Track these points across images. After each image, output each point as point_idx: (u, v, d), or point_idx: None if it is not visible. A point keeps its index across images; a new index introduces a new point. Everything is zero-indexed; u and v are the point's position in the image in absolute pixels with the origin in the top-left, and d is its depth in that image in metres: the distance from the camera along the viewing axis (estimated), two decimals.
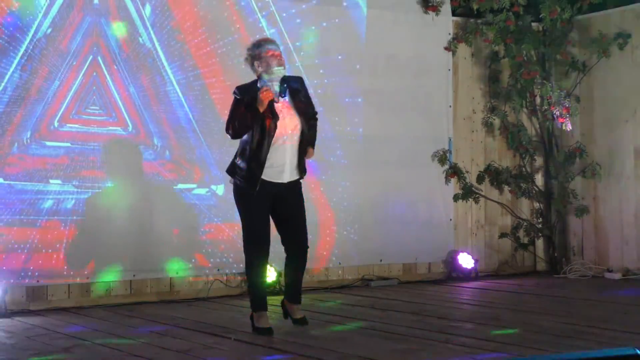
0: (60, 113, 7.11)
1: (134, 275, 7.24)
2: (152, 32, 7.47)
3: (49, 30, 7.08)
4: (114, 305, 7.03)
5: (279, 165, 5.72)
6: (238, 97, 5.72)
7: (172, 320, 6.32)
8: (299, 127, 5.74)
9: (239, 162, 5.77)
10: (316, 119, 5.99)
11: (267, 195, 5.74)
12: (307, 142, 5.83)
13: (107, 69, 7.26)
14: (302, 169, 5.84)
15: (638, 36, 8.53)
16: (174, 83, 7.51)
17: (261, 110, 5.59)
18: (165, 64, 7.48)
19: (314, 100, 6.04)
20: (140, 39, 7.42)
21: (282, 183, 5.75)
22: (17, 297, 6.81)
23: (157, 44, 7.47)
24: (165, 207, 7.42)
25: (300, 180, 5.89)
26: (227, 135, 5.80)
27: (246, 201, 5.76)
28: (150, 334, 5.81)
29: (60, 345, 5.46)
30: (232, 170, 5.85)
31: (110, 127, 7.27)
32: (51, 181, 7.06)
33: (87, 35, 7.21)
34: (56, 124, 7.10)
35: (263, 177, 5.69)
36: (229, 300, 7.32)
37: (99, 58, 7.25)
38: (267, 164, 5.67)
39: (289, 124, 5.72)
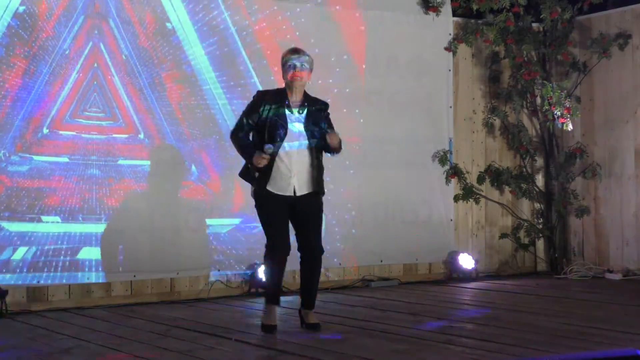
0: (52, 116, 6.81)
1: (134, 276, 7.23)
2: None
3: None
4: (115, 306, 7.04)
5: (285, 179, 5.76)
6: (255, 100, 5.82)
7: (173, 321, 6.32)
8: (307, 143, 5.78)
9: (251, 166, 5.84)
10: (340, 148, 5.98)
11: (282, 202, 5.79)
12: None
13: (112, 61, 7.03)
14: (315, 184, 5.83)
15: (638, 37, 8.53)
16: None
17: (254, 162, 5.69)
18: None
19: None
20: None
21: (291, 196, 5.79)
22: (17, 297, 6.81)
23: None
24: (166, 207, 7.41)
25: (319, 196, 5.89)
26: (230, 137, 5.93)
27: (264, 206, 5.83)
28: (151, 335, 5.81)
29: (61, 346, 5.46)
30: (245, 173, 5.92)
31: (109, 121, 7.05)
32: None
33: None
34: (46, 130, 6.80)
35: (272, 189, 5.74)
36: (230, 300, 7.32)
37: (102, 45, 6.93)
38: (272, 175, 5.72)
39: (297, 138, 5.76)
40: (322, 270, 7.93)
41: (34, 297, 6.88)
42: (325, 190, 5.93)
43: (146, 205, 7.30)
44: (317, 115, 5.87)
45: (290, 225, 5.91)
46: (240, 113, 5.94)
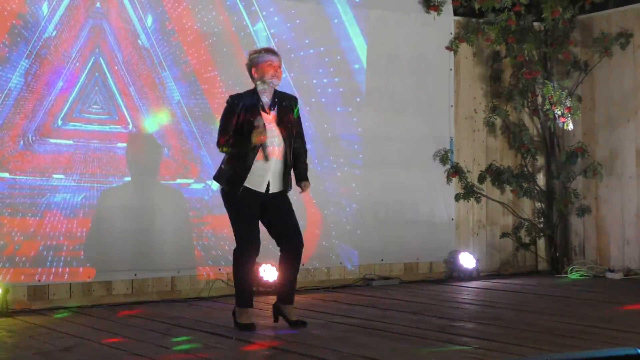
0: (63, 112, 6.84)
1: (135, 275, 7.23)
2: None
3: (54, 33, 6.47)
4: (115, 305, 7.04)
5: (261, 174, 5.77)
6: (229, 105, 5.81)
7: (173, 320, 6.32)
8: (282, 142, 5.80)
9: (224, 166, 5.85)
10: (306, 151, 6.03)
11: (253, 199, 5.79)
12: (299, 174, 5.94)
13: (109, 70, 7.01)
14: (286, 183, 5.88)
15: None
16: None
17: (253, 141, 5.65)
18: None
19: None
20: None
21: (262, 193, 5.80)
22: (18, 296, 6.81)
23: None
24: (167, 206, 7.40)
25: (287, 193, 5.93)
26: (218, 148, 5.87)
27: (234, 203, 5.83)
28: (151, 334, 5.81)
29: (62, 345, 5.46)
30: (218, 175, 5.92)
31: (112, 125, 7.07)
32: (54, 176, 6.68)
33: (89, 38, 6.77)
34: (60, 122, 6.80)
35: (246, 184, 5.75)
36: (230, 299, 7.25)
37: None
38: (251, 170, 5.72)
39: (275, 137, 5.78)
40: (323, 269, 8.00)
41: (36, 296, 6.88)
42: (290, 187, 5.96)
43: (146, 205, 7.29)
44: (287, 110, 5.87)
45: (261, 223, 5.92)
46: (220, 121, 5.89)
